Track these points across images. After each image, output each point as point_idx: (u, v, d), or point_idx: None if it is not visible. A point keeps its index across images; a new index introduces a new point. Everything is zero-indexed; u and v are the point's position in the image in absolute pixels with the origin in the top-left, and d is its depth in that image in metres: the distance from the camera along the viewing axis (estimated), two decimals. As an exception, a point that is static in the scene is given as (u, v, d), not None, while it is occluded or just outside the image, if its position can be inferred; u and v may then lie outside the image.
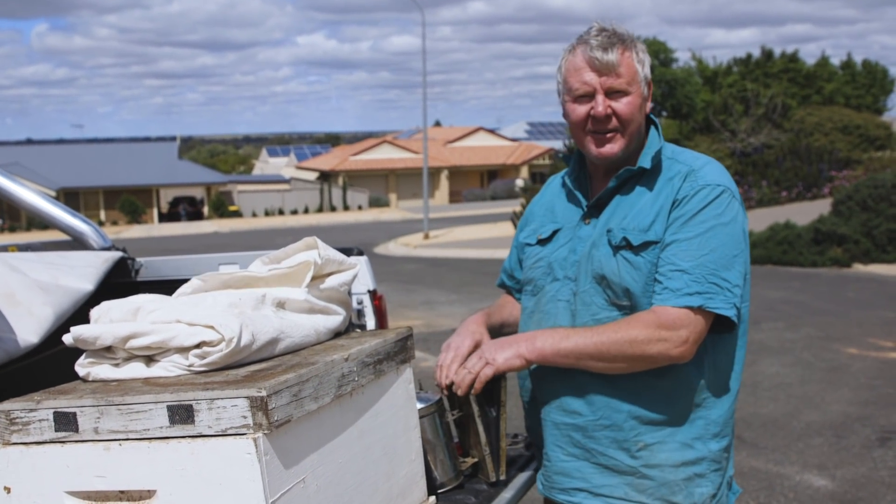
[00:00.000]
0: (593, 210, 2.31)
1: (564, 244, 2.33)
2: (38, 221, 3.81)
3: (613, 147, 2.25)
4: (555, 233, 2.37)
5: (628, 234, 2.19)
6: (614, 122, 2.22)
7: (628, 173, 2.26)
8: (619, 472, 2.23)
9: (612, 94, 2.21)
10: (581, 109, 2.24)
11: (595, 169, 2.36)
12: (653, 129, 2.35)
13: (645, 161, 2.26)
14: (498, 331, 2.52)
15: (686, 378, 2.20)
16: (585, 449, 2.26)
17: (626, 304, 2.19)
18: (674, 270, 2.13)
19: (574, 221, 2.34)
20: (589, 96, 2.22)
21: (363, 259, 3.46)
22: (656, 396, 2.20)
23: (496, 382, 2.29)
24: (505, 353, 2.20)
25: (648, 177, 2.27)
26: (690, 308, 2.11)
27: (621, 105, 2.21)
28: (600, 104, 2.21)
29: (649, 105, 2.30)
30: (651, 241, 2.17)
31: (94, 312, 1.81)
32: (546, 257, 2.35)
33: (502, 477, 2.31)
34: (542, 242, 2.39)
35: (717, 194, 2.18)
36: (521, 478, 2.39)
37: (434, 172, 57.06)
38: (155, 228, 46.27)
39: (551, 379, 2.29)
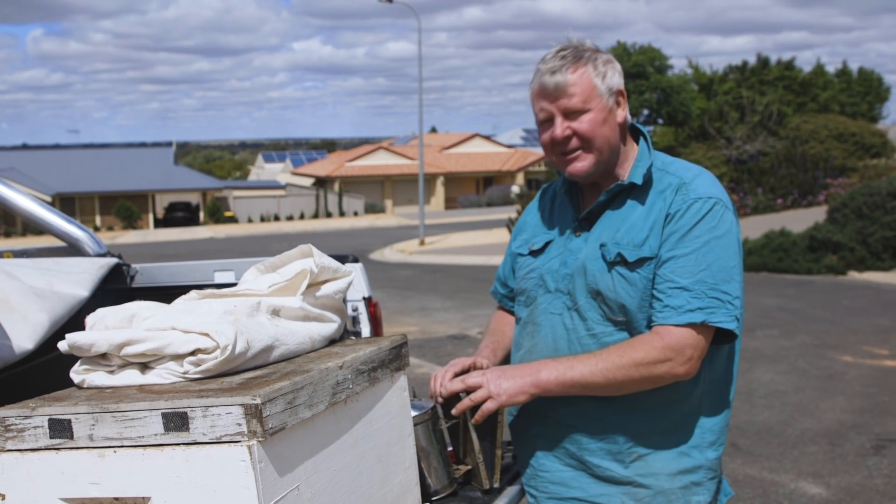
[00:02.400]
0: (584, 223, 2.30)
1: (556, 256, 2.32)
2: (34, 227, 3.81)
3: (582, 165, 2.25)
4: (547, 244, 2.37)
5: (623, 249, 2.19)
6: (575, 141, 2.22)
7: (619, 188, 2.26)
8: (615, 483, 2.24)
9: (570, 114, 2.21)
10: (545, 135, 2.26)
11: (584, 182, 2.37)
12: (642, 141, 2.34)
13: (636, 177, 2.25)
14: (505, 363, 2.52)
15: (682, 390, 2.20)
16: (581, 460, 2.26)
17: (622, 319, 2.19)
18: (673, 288, 2.13)
19: (565, 233, 2.34)
20: (549, 121, 2.24)
21: (358, 266, 3.46)
22: (652, 408, 2.20)
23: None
24: (509, 388, 2.18)
25: (639, 190, 2.26)
26: (693, 325, 2.11)
27: (580, 124, 2.21)
28: (558, 127, 2.22)
29: (622, 114, 2.27)
30: (646, 256, 2.17)
31: (90, 319, 1.81)
32: (538, 268, 2.35)
33: (496, 484, 2.32)
34: (535, 254, 2.39)
35: (709, 207, 2.17)
36: (515, 485, 2.39)
37: (430, 179, 57.11)
38: (150, 234, 46.23)
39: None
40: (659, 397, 2.19)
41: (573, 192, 2.38)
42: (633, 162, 2.30)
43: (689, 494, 2.23)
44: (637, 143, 2.35)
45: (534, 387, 2.17)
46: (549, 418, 2.30)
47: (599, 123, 2.21)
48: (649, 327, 2.18)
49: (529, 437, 2.36)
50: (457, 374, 2.34)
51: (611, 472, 2.23)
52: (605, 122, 2.22)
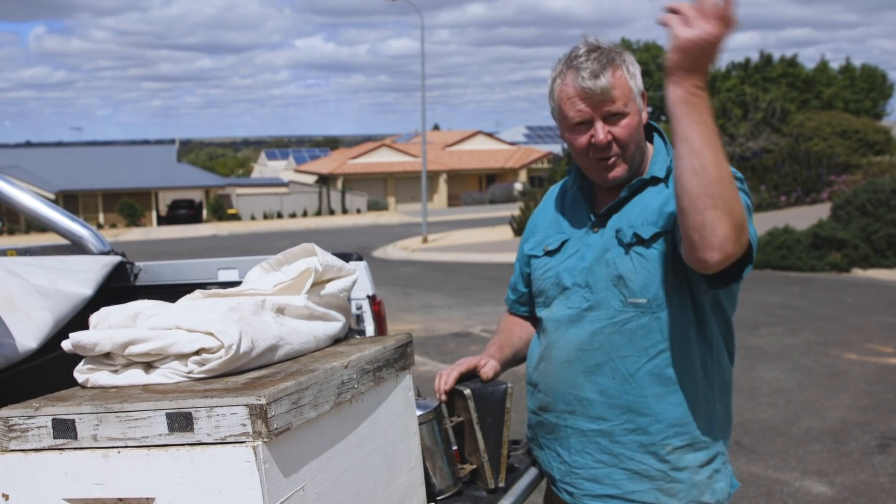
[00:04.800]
0: (602, 219, 2.30)
1: (573, 254, 2.32)
2: (38, 225, 3.80)
3: (618, 172, 2.24)
4: (563, 243, 2.36)
5: (637, 229, 2.20)
6: (615, 147, 2.20)
7: (640, 182, 2.26)
8: (648, 478, 2.23)
9: (608, 118, 2.18)
10: (581, 139, 2.21)
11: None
12: (657, 138, 2.34)
13: (657, 170, 2.26)
14: (512, 362, 2.53)
15: (700, 378, 2.23)
16: (613, 454, 2.26)
17: (643, 301, 2.18)
18: None
19: (581, 231, 2.34)
20: (587, 123, 2.19)
21: (362, 264, 3.45)
22: (678, 398, 2.21)
23: (502, 395, 2.29)
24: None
25: (658, 181, 2.27)
26: None
27: (619, 129, 2.18)
28: (600, 132, 2.18)
29: (645, 114, 2.28)
30: (661, 231, 2.17)
31: (93, 318, 1.80)
32: (554, 268, 2.35)
33: (501, 484, 2.31)
34: (551, 253, 2.38)
35: None
36: (520, 484, 2.38)
37: (433, 176, 57.08)
38: (154, 231, 46.27)
39: (572, 387, 2.28)
40: (682, 387, 2.20)
41: (586, 190, 2.37)
42: (650, 158, 2.31)
43: (713, 483, 2.26)
44: (651, 140, 2.35)
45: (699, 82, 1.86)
46: (579, 412, 2.29)
47: (635, 128, 2.21)
48: (670, 311, 2.17)
49: (561, 434, 2.35)
50: (462, 374, 2.34)
51: (644, 466, 2.23)
52: (638, 125, 2.22)
